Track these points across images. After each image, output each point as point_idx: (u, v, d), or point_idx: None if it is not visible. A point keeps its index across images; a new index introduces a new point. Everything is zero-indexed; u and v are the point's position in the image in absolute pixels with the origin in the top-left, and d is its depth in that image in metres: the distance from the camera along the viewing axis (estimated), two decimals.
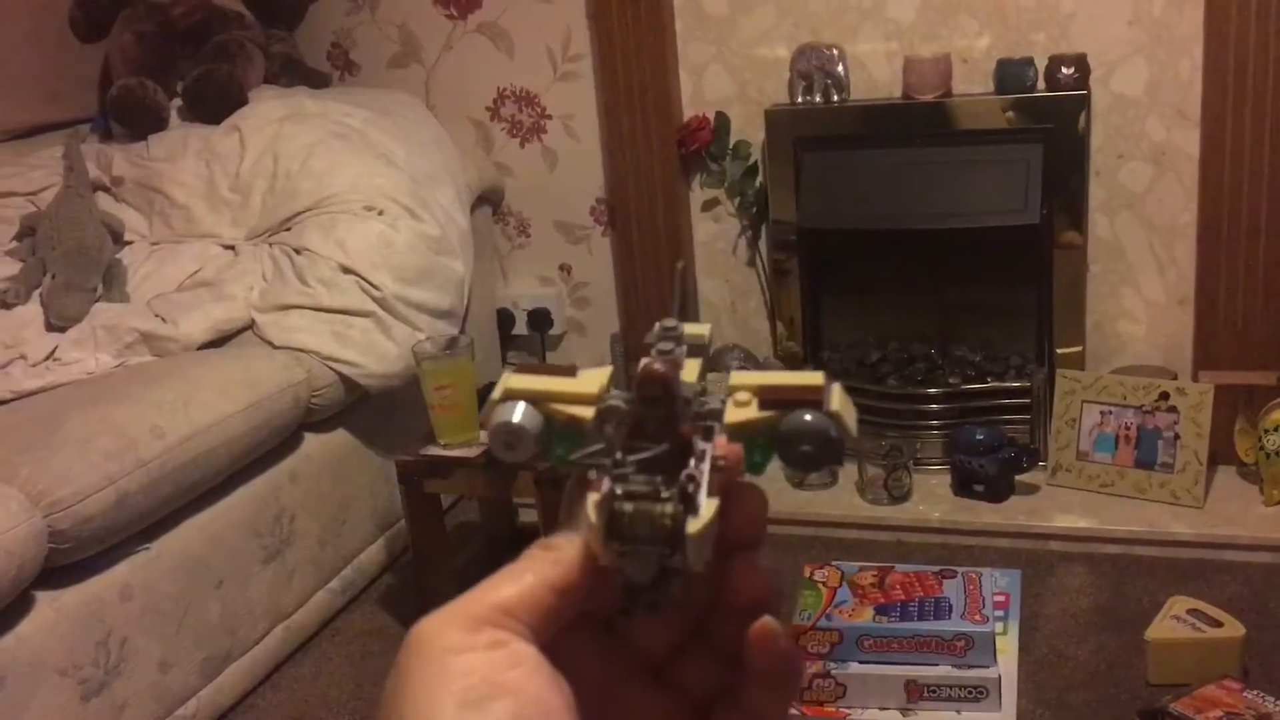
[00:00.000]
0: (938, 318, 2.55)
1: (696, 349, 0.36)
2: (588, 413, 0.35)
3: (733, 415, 0.34)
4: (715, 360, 2.41)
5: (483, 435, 1.73)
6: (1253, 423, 2.19)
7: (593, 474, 0.33)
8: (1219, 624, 1.76)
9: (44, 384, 1.95)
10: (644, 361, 0.34)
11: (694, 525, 0.31)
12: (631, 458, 0.32)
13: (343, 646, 2.10)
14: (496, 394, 0.36)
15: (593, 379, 0.36)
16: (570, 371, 0.37)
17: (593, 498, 0.32)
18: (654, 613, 0.32)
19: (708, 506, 0.31)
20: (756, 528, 0.35)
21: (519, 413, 0.35)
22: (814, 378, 0.34)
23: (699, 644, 0.36)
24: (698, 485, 0.32)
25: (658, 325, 0.36)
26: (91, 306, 2.10)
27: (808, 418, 0.33)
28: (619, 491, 0.31)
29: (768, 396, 0.34)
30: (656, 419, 0.33)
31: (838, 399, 0.34)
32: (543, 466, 1.90)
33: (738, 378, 0.35)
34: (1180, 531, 2.12)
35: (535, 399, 0.35)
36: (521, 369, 0.36)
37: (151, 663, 1.75)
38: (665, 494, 0.31)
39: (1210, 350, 2.30)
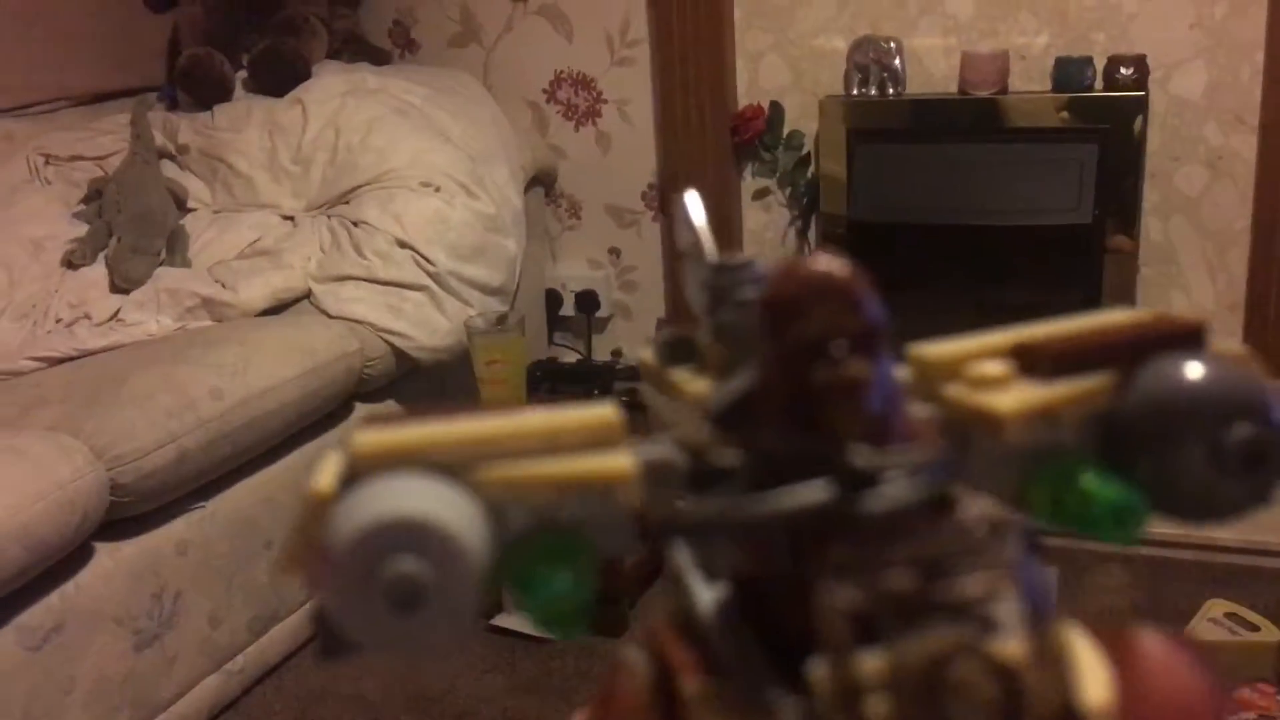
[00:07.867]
0: (986, 315, 2.54)
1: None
2: (619, 465, 0.16)
3: (1003, 400, 0.15)
4: None
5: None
6: None
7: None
8: (1256, 628, 1.76)
9: (108, 343, 2.00)
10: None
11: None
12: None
13: None
14: (327, 475, 0.17)
15: (588, 412, 0.17)
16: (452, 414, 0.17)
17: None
18: None
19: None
20: None
21: (424, 499, 0.16)
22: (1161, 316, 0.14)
23: None
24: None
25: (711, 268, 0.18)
26: (155, 270, 2.16)
27: (1191, 373, 0.14)
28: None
29: (1062, 357, 0.15)
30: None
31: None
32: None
33: (930, 350, 0.16)
34: (1220, 536, 2.12)
35: (456, 463, 0.16)
36: (377, 420, 0.17)
37: (202, 617, 1.80)
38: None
39: (1258, 356, 2.29)
